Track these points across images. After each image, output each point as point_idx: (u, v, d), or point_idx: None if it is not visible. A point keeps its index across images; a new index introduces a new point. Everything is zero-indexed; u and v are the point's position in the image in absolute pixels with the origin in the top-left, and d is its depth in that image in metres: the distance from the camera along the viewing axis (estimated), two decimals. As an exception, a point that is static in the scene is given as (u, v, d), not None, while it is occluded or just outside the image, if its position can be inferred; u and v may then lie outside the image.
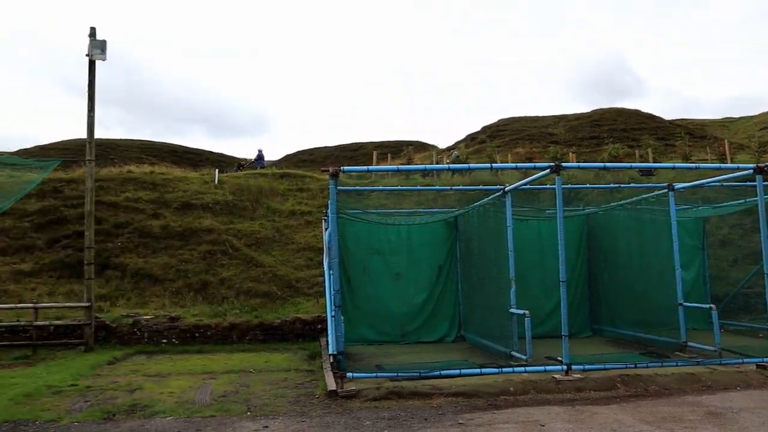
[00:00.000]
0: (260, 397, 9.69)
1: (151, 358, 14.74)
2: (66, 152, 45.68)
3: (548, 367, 10.35)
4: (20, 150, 53.06)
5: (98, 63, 17.31)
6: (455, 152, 35.03)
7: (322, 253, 16.04)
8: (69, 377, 11.85)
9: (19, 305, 16.63)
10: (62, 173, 24.85)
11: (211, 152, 61.10)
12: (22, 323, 16.23)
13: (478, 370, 10.26)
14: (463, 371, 10.21)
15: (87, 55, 17.09)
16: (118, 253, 20.76)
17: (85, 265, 16.85)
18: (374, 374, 10.18)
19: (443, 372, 10.12)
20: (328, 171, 10.35)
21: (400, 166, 15.67)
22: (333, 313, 10.48)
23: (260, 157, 34.42)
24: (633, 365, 10.49)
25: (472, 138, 56.40)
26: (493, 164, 10.48)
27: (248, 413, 8.57)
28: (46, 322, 16.28)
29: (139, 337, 16.63)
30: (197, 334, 16.79)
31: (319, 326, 16.75)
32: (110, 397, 9.88)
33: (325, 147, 64.70)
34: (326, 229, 14.00)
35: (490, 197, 13.71)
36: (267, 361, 13.72)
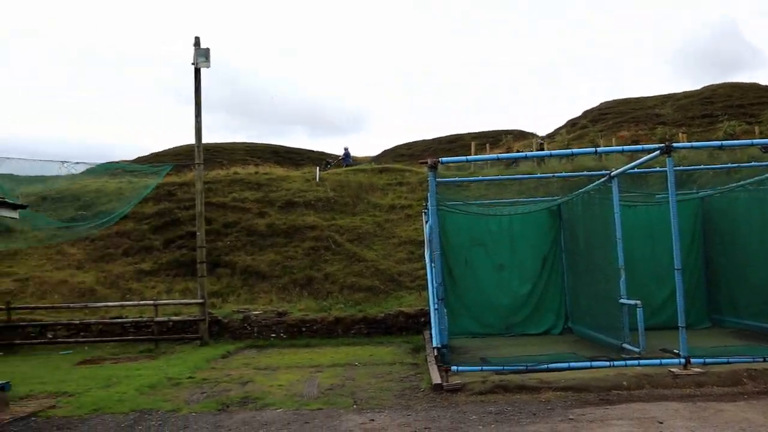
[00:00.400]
0: (366, 390, 9.79)
1: (261, 352, 15.28)
2: (177, 157, 48.21)
3: (664, 360, 9.75)
4: (138, 158, 56.61)
5: (203, 70, 18.12)
6: (540, 141, 33.98)
7: (423, 246, 16.03)
8: (187, 370, 12.49)
9: (141, 302, 17.75)
10: (175, 177, 26.27)
11: (312, 151, 62.59)
12: (144, 319, 17.32)
13: (587, 363, 9.85)
14: (572, 364, 9.84)
15: (192, 64, 17.89)
16: (228, 251, 21.69)
17: (197, 264, 17.71)
18: (479, 367, 10.02)
19: (551, 365, 9.80)
20: (427, 163, 10.26)
21: (499, 155, 15.32)
22: (436, 306, 10.40)
23: (347, 154, 34.91)
24: (762, 359, 9.69)
25: (573, 124, 54.54)
26: (598, 148, 10.02)
27: (354, 406, 8.67)
28: (165, 318, 17.28)
29: (250, 332, 17.29)
30: (304, 329, 17.25)
31: (422, 319, 16.74)
32: (224, 389, 10.30)
33: (423, 140, 64.64)
34: (426, 222, 13.95)
35: (595, 183, 13.14)
36: (372, 355, 13.86)
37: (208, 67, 18.03)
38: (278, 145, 65.41)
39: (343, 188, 25.79)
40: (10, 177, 16.29)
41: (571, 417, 7.50)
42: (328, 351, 14.83)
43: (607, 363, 9.76)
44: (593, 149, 13.34)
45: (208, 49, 18.00)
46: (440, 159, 10.41)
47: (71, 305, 17.59)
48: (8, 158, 14.10)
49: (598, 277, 12.49)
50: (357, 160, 44.66)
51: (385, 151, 63.50)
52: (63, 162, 15.33)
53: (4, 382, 10.60)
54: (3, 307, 17.19)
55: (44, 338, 17.27)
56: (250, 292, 19.79)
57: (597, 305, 12.62)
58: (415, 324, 17.02)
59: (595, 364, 9.79)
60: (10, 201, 10.34)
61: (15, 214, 10.35)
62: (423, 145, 61.19)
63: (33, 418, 8.73)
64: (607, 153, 22.24)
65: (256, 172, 28.22)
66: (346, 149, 35.53)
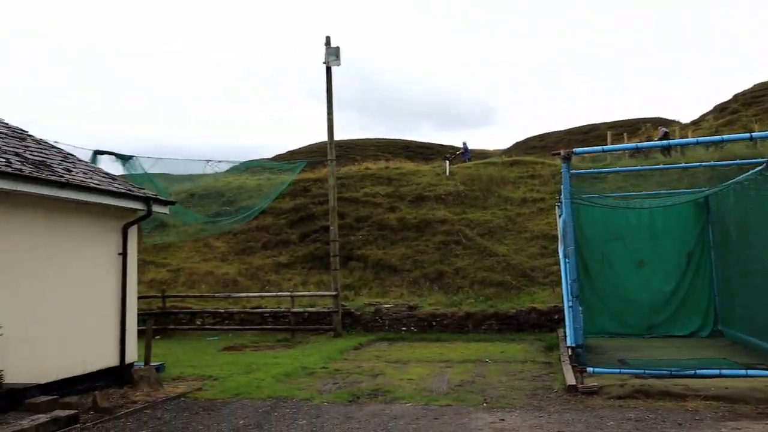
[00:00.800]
0: (496, 388, 9.59)
1: (391, 345, 15.47)
2: (312, 154, 50.07)
3: (837, 371, 8.71)
4: (276, 155, 59.50)
5: (334, 68, 18.60)
6: (663, 129, 31.43)
7: (557, 241, 15.45)
8: (320, 360, 12.90)
9: (279, 293, 18.58)
10: (310, 174, 27.26)
11: (441, 145, 62.53)
12: (282, 309, 18.12)
13: (743, 371, 8.99)
14: (724, 371, 9.03)
15: (324, 63, 18.42)
16: (360, 245, 22.17)
17: (331, 257, 18.25)
18: (617, 370, 9.47)
19: (699, 371, 9.06)
20: (560, 154, 9.84)
21: (637, 144, 14.34)
22: (570, 304, 9.97)
23: (465, 149, 34.42)
24: None
25: (721, 108, 50.29)
26: (753, 134, 9.06)
27: (484, 404, 8.51)
28: (301, 309, 17.98)
29: (381, 325, 17.57)
30: (434, 323, 17.26)
31: (556, 317, 16.18)
32: (355, 381, 10.51)
33: (555, 132, 62.57)
34: (560, 216, 13.41)
35: (749, 172, 11.96)
36: (503, 352, 13.59)
37: (338, 65, 18.49)
38: (408, 140, 66.06)
39: (474, 182, 25.50)
40: (164, 176, 17.67)
41: (723, 430, 6.87)
42: (458, 346, 14.72)
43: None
44: (748, 135, 12.19)
45: (338, 48, 18.45)
46: (574, 150, 9.95)
47: (216, 295, 18.79)
48: (161, 158, 15.28)
49: (757, 275, 11.38)
50: (487, 154, 44.01)
51: (516, 143, 62.16)
52: (207, 161, 16.39)
53: (159, 363, 11.54)
54: (159, 295, 18.70)
55: (193, 325, 18.60)
56: (382, 286, 20.10)
57: (755, 307, 11.50)
58: (548, 321, 16.49)
59: (752, 372, 8.90)
60: (162, 198, 11.18)
61: (166, 210, 11.17)
62: (556, 137, 59.23)
63: (183, 399, 9.37)
64: (764, 139, 20.23)
65: (387, 167, 28.60)
66: (464, 144, 35.14)
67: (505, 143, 64.71)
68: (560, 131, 62.17)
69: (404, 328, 17.35)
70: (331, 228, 18.36)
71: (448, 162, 28.56)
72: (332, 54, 18.39)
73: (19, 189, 8.08)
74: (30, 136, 10.94)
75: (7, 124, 11.05)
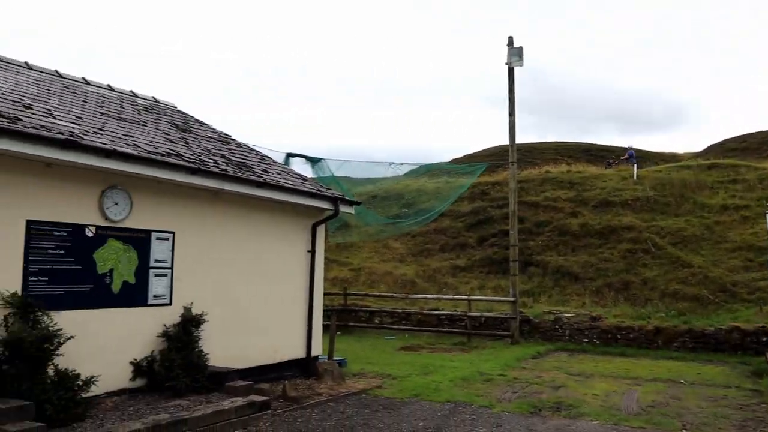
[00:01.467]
0: (696, 414, 8.69)
1: (572, 357, 14.75)
2: (489, 158, 49.50)
3: None
4: (452, 159, 59.70)
5: (506, 70, 18.18)
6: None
7: (766, 253, 13.78)
8: (498, 367, 12.62)
9: (456, 297, 18.56)
10: (488, 177, 26.97)
11: (625, 148, 58.83)
12: (458, 313, 18.07)
13: None
14: None
15: (506, 63, 18.09)
16: (540, 250, 21.48)
17: (510, 262, 17.84)
18: None
19: None
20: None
21: None
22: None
23: (631, 155, 31.85)
24: None
25: None
26: None
27: (683, 431, 7.74)
28: (478, 314, 17.79)
29: (561, 335, 16.84)
30: (619, 336, 16.18)
31: (765, 338, 14.43)
32: (536, 392, 10.12)
33: (759, 132, 56.14)
34: (772, 226, 11.92)
35: None
36: (699, 373, 12.35)
37: (521, 65, 18.06)
38: (589, 143, 63.00)
39: (665, 186, 23.64)
40: (348, 179, 18.45)
41: None
42: (646, 363, 13.65)
43: None
44: None
45: (521, 48, 18.02)
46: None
47: (395, 295, 19.21)
48: (347, 161, 15.95)
49: None
50: (678, 157, 40.69)
51: (711, 145, 56.67)
52: (390, 163, 16.80)
53: (341, 358, 12.00)
54: (341, 292, 19.54)
55: (372, 323, 19.17)
56: (562, 294, 19.29)
57: None
58: (753, 343, 14.74)
59: None
60: (348, 198, 11.62)
61: (351, 210, 11.60)
62: (760, 138, 53.14)
63: (363, 395, 9.62)
64: None
65: (568, 171, 27.49)
66: (630, 150, 32.70)
67: (698, 146, 59.26)
68: (765, 131, 55.67)
69: (585, 340, 16.46)
70: (511, 232, 17.97)
71: (635, 166, 26.77)
72: (515, 54, 17.99)
73: (225, 188, 8.81)
74: (233, 140, 11.92)
75: (215, 129, 12.13)
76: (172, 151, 8.68)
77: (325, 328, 11.51)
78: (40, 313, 6.65)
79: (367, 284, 21.28)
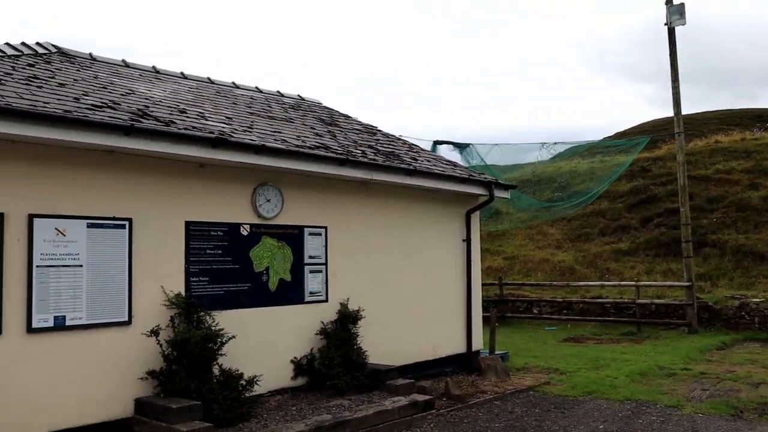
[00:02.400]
0: None
1: (766, 347, 13.00)
2: (644, 134, 46.14)
3: None
4: (603, 138, 56.40)
5: (677, 30, 16.40)
6: None
7: None
8: (678, 359, 11.35)
9: (622, 283, 17.14)
10: (646, 153, 24.86)
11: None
12: (625, 300, 16.67)
13: None
14: None
15: (665, 24, 16.37)
16: (714, 229, 19.37)
17: (682, 243, 16.13)
18: None
19: None
20: None
21: None
22: None
23: None
24: None
25: None
26: None
27: None
28: (647, 301, 16.29)
29: (748, 322, 14.94)
30: (823, 323, 14.05)
31: None
32: (730, 389, 8.87)
33: None
34: None
35: None
36: None
37: (683, 24, 16.25)
38: (762, 108, 56.74)
39: None
40: (495, 166, 17.63)
41: None
42: None
43: None
44: None
45: (682, 5, 16.22)
46: None
47: (553, 283, 18.14)
48: (496, 144, 15.20)
49: None
50: None
51: None
52: (542, 144, 15.81)
53: (503, 352, 11.34)
54: (496, 282, 18.80)
55: (530, 313, 18.25)
56: (745, 276, 17.19)
57: None
58: None
59: None
60: (502, 182, 10.91)
61: (507, 194, 10.89)
62: None
63: (531, 392, 8.93)
64: None
65: (743, 139, 24.65)
66: None
67: None
68: None
69: (779, 328, 14.47)
70: (682, 210, 16.25)
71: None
72: (675, 12, 16.21)
73: (374, 178, 8.49)
74: (379, 131, 11.65)
75: (360, 122, 11.95)
76: (319, 144, 8.51)
77: (484, 320, 10.91)
78: (202, 314, 6.69)
79: (523, 273, 20.34)
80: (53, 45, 9.33)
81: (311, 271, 8.29)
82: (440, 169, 9.93)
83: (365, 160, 8.46)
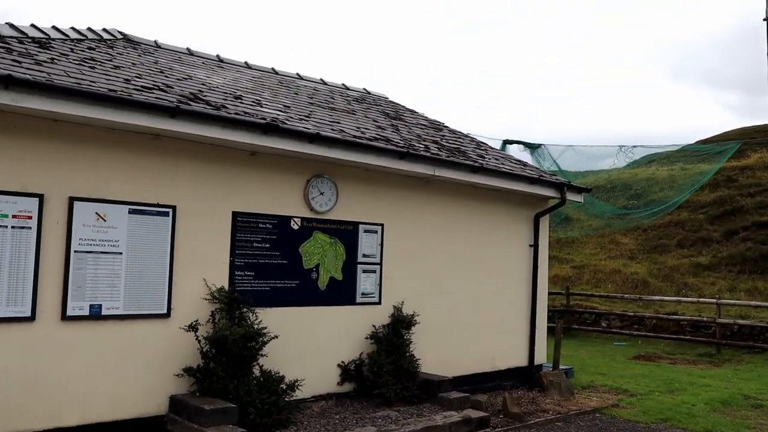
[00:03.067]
0: None
1: None
2: (726, 143, 43.63)
3: None
4: (682, 146, 53.72)
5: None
6: None
7: None
8: (765, 388, 10.29)
9: (701, 300, 15.92)
10: (733, 161, 23.27)
11: None
12: (704, 319, 15.48)
13: None
14: None
15: (764, 19, 15.17)
16: (809, 246, 17.82)
17: (772, 260, 14.85)
18: None
19: None
20: None
21: None
22: None
23: None
24: None
25: None
26: None
27: None
28: (729, 321, 15.06)
29: None
30: None
31: None
32: (830, 428, 7.85)
33: None
34: None
35: None
36: None
37: (785, 22, 14.98)
38: None
39: None
40: (567, 172, 16.73)
41: None
42: None
43: None
44: None
45: (784, 2, 14.94)
46: None
47: (625, 296, 17.07)
48: (570, 146, 14.37)
49: None
50: None
51: None
52: (620, 146, 14.84)
53: (568, 367, 10.57)
54: (563, 292, 17.88)
55: (598, 326, 17.24)
56: None
57: None
58: None
59: None
60: (575, 185, 10.14)
61: (580, 198, 10.12)
62: None
63: (597, 414, 8.18)
64: None
65: None
66: None
67: None
68: None
69: None
70: (772, 224, 14.95)
71: None
72: (776, 10, 14.98)
73: (436, 174, 7.94)
74: (446, 126, 11.09)
75: (426, 117, 11.43)
76: (379, 137, 8.02)
77: (548, 331, 10.18)
78: (245, 310, 6.31)
79: (592, 283, 19.30)
80: (119, 32, 9.21)
81: (364, 271, 7.80)
82: (508, 167, 9.26)
83: (427, 154, 7.91)
